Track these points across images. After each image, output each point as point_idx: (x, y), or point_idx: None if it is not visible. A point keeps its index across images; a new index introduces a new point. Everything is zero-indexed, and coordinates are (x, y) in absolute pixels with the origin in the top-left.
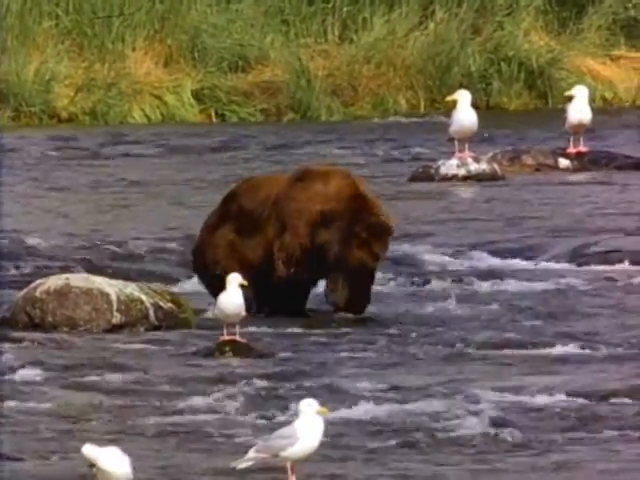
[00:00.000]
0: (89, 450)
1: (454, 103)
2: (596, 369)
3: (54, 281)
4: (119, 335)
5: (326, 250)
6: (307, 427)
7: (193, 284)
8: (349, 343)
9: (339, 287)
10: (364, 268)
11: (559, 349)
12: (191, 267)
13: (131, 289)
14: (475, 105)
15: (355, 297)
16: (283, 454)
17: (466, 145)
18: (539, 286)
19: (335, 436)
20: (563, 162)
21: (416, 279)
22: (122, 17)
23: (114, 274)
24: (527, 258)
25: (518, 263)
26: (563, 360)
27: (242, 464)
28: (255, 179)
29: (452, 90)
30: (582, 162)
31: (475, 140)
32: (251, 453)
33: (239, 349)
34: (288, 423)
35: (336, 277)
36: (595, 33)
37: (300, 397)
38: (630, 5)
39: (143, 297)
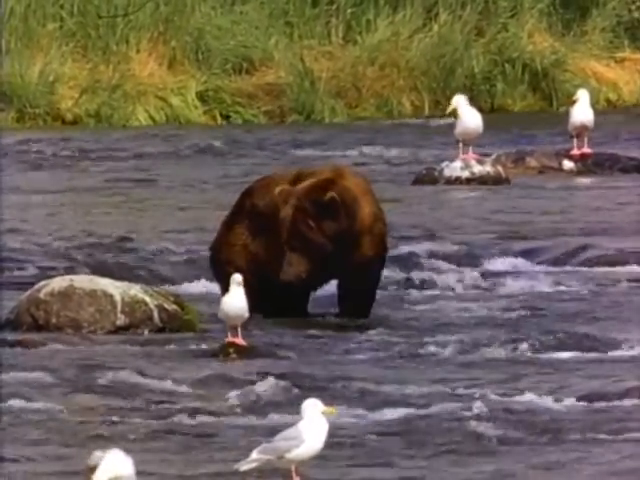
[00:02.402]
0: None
1: (455, 111)
2: (600, 371)
3: (58, 282)
4: (123, 337)
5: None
6: (312, 428)
7: (197, 286)
8: (353, 345)
9: (293, 262)
10: (315, 245)
11: (563, 351)
12: (195, 268)
13: (135, 291)
14: (479, 107)
15: (357, 298)
16: (288, 456)
17: (470, 147)
18: (543, 288)
19: (339, 437)
20: (567, 164)
21: (420, 281)
22: (126, 19)
23: (118, 275)
24: (531, 260)
25: (522, 265)
26: (567, 362)
27: (245, 466)
28: (270, 177)
29: (456, 92)
30: (586, 164)
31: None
32: (254, 454)
33: (243, 350)
34: (292, 424)
35: (290, 255)
36: (599, 35)
37: (304, 398)
38: (634, 7)
39: (147, 299)
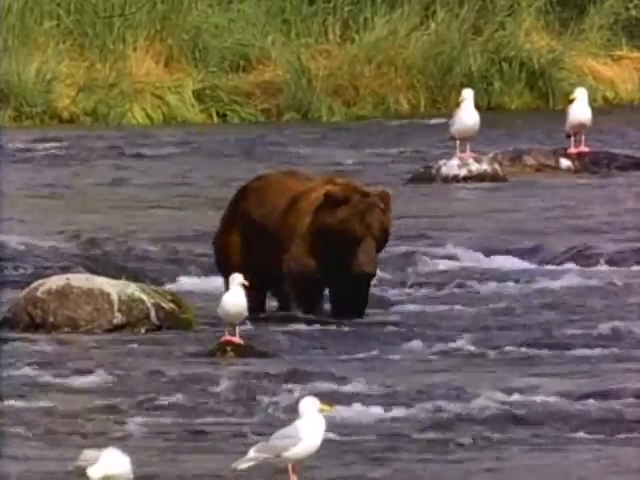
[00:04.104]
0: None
1: (459, 103)
2: (597, 369)
3: (55, 281)
4: (120, 335)
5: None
6: (309, 426)
7: (194, 284)
8: (350, 343)
9: (373, 254)
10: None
11: (560, 349)
12: (191, 267)
13: (132, 289)
14: (476, 105)
15: (355, 298)
16: (286, 454)
17: (467, 145)
18: (540, 286)
19: (337, 436)
20: (564, 162)
21: (417, 279)
22: (123, 17)
23: (115, 274)
24: (528, 258)
25: (519, 263)
26: (565, 360)
27: (243, 464)
28: (267, 178)
29: (453, 90)
30: (583, 162)
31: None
32: (252, 453)
33: (240, 349)
34: (290, 423)
35: (371, 244)
36: (596, 33)
37: (301, 397)
38: (631, 5)
39: (144, 297)
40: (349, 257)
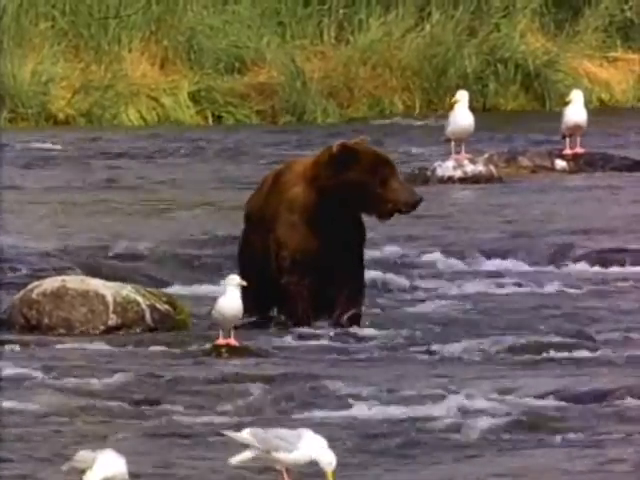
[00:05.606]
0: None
1: (453, 105)
2: (592, 371)
3: (50, 283)
4: (115, 337)
5: None
6: (309, 441)
7: (189, 286)
8: (346, 345)
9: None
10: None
11: (555, 351)
12: (186, 268)
13: (127, 291)
14: (471, 107)
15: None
16: (275, 455)
17: (462, 146)
18: (534, 288)
19: (332, 439)
20: (559, 164)
21: (412, 281)
22: (118, 18)
23: (110, 276)
24: (523, 260)
25: (514, 265)
26: (559, 362)
27: (238, 440)
28: (271, 172)
29: (448, 92)
30: (578, 164)
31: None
32: (245, 434)
33: (235, 351)
34: (283, 424)
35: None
36: (592, 35)
37: (296, 399)
38: (626, 7)
39: (139, 299)
40: (385, 201)
